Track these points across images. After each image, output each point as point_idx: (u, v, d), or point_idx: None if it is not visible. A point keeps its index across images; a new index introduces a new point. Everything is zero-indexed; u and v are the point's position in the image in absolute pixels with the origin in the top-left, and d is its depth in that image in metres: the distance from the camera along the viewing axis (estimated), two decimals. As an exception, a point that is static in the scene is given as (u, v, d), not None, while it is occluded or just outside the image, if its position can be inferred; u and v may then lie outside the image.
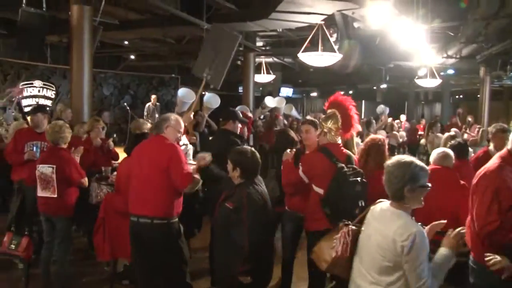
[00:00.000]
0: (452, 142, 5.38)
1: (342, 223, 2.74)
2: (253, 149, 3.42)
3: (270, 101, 11.32)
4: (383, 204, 2.61)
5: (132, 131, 5.35)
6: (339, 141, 3.93)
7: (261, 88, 24.22)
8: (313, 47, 9.72)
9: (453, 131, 8.10)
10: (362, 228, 2.66)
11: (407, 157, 2.53)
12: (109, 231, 4.16)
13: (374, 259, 2.48)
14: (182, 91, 7.56)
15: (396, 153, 13.97)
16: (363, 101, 26.25)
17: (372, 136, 4.35)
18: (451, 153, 4.17)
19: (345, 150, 3.92)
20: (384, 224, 2.47)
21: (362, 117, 16.73)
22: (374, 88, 23.04)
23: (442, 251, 2.51)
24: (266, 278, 3.30)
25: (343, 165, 3.66)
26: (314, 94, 28.26)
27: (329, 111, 4.00)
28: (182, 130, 3.85)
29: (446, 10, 10.84)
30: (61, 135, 4.37)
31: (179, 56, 17.12)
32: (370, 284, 2.49)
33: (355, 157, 4.06)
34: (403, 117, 17.26)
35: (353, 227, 2.68)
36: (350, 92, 25.46)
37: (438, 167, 3.99)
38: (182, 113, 7.42)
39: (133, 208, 3.60)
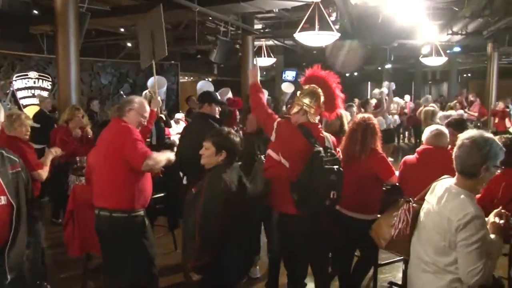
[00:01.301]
0: (449, 118, 5.03)
1: (402, 200, 2.62)
2: (231, 129, 3.15)
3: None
4: (446, 181, 2.44)
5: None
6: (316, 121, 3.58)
7: (264, 73, 23.88)
8: (311, 27, 9.36)
9: (431, 106, 7.69)
10: (424, 205, 2.54)
11: (487, 133, 2.33)
12: (78, 225, 3.92)
13: (431, 238, 2.38)
14: (150, 81, 7.26)
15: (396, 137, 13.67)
16: (369, 83, 25.83)
17: (361, 115, 4.00)
18: (445, 130, 3.83)
19: (323, 133, 3.56)
20: (442, 202, 2.35)
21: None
22: (379, 68, 22.52)
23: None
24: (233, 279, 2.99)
25: (321, 149, 3.30)
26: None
27: (306, 86, 3.60)
28: (146, 114, 3.54)
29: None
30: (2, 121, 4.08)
31: (178, 42, 16.78)
32: (427, 264, 2.40)
33: (333, 138, 3.70)
34: (407, 97, 16.87)
35: (414, 204, 2.57)
36: (355, 73, 25.01)
37: (430, 147, 3.68)
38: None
39: (94, 200, 3.34)
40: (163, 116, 8.38)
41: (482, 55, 18.68)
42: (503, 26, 12.48)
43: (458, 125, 4.71)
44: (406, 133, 17.03)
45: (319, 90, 3.50)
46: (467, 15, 11.31)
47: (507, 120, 13.66)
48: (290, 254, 3.62)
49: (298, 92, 3.60)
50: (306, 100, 3.46)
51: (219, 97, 4.76)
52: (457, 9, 11.72)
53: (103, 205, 3.26)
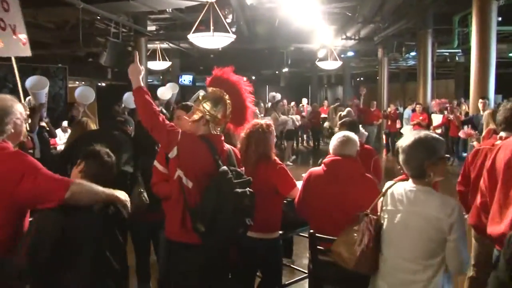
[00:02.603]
0: (344, 119, 4.75)
1: (361, 214, 2.49)
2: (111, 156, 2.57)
3: (164, 92, 10.18)
4: (405, 185, 2.42)
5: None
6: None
7: (161, 77, 23.06)
8: (207, 29, 8.94)
9: (347, 110, 7.58)
10: (385, 216, 2.46)
11: (421, 132, 2.40)
12: None
13: (417, 245, 2.32)
14: (30, 80, 6.38)
15: (295, 138, 13.82)
16: (267, 86, 26.02)
17: (253, 121, 3.55)
18: (354, 137, 3.35)
19: (226, 146, 3.02)
20: (420, 205, 2.33)
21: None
22: (277, 72, 22.74)
23: None
24: None
25: (226, 168, 2.76)
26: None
27: (211, 89, 2.98)
28: (24, 114, 2.56)
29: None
30: None
31: (66, 44, 15.55)
32: (415, 273, 2.32)
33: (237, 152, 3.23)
34: (304, 101, 17.09)
35: (374, 216, 2.47)
36: (253, 77, 25.08)
37: (338, 158, 3.23)
38: (41, 105, 6.32)
39: None
40: (45, 124, 7.46)
41: (373, 60, 19.56)
42: (392, 33, 13.02)
43: (351, 126, 4.51)
44: (305, 136, 17.20)
45: (226, 96, 2.95)
46: (359, 21, 11.57)
47: (398, 121, 14.30)
48: (182, 283, 3.10)
49: (200, 95, 3.05)
50: (208, 106, 2.89)
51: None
52: (350, 14, 11.98)
53: None
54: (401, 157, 2.39)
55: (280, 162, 3.45)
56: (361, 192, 3.02)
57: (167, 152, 2.84)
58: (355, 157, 3.26)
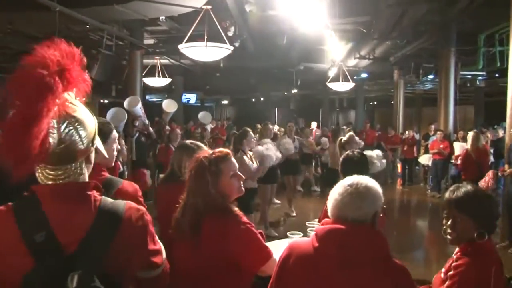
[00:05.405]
0: (349, 153, 3.46)
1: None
2: None
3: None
4: None
5: None
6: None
7: (166, 96, 22.20)
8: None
9: (348, 135, 5.95)
10: None
11: None
12: None
13: None
14: None
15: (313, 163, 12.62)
16: (276, 109, 24.96)
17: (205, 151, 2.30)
18: (374, 186, 1.82)
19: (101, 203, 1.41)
20: None
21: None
22: (286, 94, 21.65)
23: None
24: None
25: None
26: (225, 101, 26.44)
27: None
28: None
29: (357, 2, 9.49)
30: None
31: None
32: None
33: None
34: (313, 124, 15.95)
35: None
36: (262, 99, 24.05)
37: (340, 227, 1.75)
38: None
39: None
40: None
41: (387, 83, 18.43)
42: (409, 52, 11.90)
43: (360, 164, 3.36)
44: (313, 162, 15.96)
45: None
46: (375, 37, 10.45)
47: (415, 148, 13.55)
48: None
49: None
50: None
51: None
52: (365, 30, 10.88)
53: None
54: None
55: (247, 221, 2.11)
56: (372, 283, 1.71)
57: None
58: (374, 222, 1.78)
